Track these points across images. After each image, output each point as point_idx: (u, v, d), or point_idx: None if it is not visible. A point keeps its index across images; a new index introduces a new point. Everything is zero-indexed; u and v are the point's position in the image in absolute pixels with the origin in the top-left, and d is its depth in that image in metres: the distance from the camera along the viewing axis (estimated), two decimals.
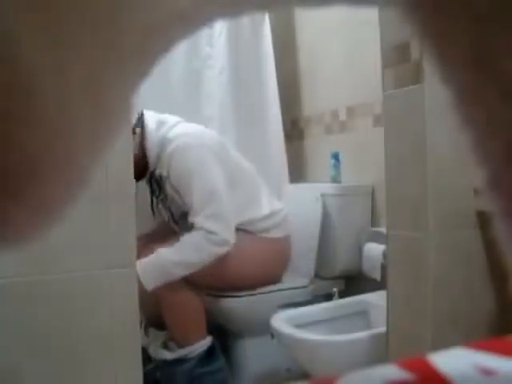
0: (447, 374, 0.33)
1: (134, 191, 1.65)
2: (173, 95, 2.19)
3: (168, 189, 1.84)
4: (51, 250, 1.02)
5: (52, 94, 0.15)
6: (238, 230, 1.89)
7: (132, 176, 1.15)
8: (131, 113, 0.18)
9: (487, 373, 0.34)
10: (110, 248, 1.09)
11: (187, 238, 1.72)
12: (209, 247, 1.71)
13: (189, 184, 1.76)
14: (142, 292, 1.71)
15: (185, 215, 1.86)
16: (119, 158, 1.09)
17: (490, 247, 1.29)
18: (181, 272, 1.70)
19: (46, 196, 0.17)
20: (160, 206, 1.96)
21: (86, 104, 0.15)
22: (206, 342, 1.76)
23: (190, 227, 1.83)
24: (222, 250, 1.73)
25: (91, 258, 1.08)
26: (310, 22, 2.53)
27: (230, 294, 1.85)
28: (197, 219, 1.73)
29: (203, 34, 2.25)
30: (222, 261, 1.79)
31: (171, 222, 1.99)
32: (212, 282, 1.82)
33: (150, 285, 1.65)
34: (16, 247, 0.18)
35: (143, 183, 1.93)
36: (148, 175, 1.89)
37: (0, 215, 0.16)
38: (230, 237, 1.75)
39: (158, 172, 1.85)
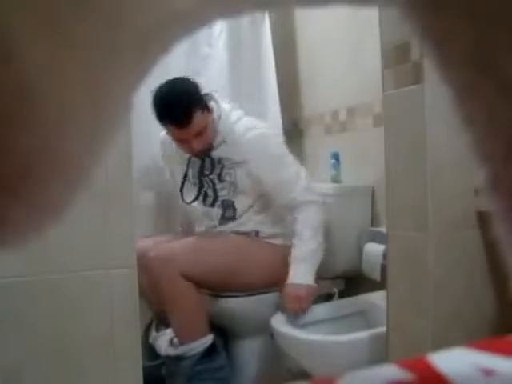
0: (447, 374, 0.33)
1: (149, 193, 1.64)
2: None
3: (238, 175, 1.89)
4: (51, 250, 1.02)
5: (51, 94, 0.15)
6: (242, 233, 1.90)
7: (132, 176, 1.15)
8: (130, 113, 0.18)
9: (487, 373, 0.34)
10: (109, 248, 1.09)
11: (306, 221, 1.84)
12: (320, 215, 1.86)
13: (276, 168, 1.87)
14: (153, 290, 1.73)
15: (228, 204, 1.94)
16: (119, 158, 1.09)
17: (490, 247, 1.29)
18: (321, 252, 1.84)
19: (46, 195, 0.17)
20: (205, 186, 1.97)
21: (85, 104, 0.15)
22: (207, 339, 1.77)
23: (224, 218, 1.95)
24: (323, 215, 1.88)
25: (91, 258, 1.08)
26: (310, 22, 2.53)
27: (230, 294, 1.85)
28: (297, 194, 1.85)
29: (203, 33, 2.25)
30: (227, 264, 1.80)
31: (206, 204, 2.00)
32: (215, 283, 1.82)
33: (311, 281, 1.80)
34: (15, 246, 0.18)
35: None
36: (203, 154, 1.91)
37: (0, 213, 0.16)
38: (319, 198, 1.89)
39: (216, 154, 1.89)
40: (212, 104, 1.87)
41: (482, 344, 0.38)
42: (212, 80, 2.32)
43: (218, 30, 2.32)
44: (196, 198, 1.99)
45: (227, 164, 1.89)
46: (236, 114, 1.92)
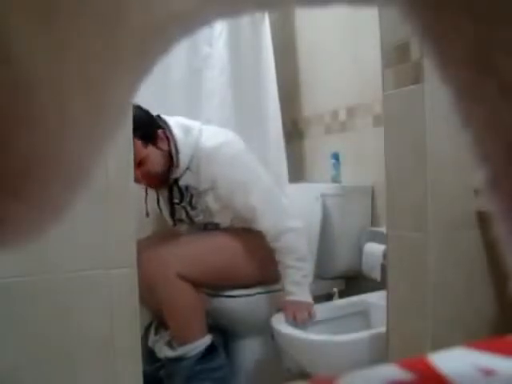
0: (447, 374, 0.33)
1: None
2: (173, 95, 2.19)
3: (209, 201, 1.85)
4: (51, 250, 1.02)
5: (51, 94, 0.15)
6: (238, 228, 1.90)
7: (132, 176, 1.15)
8: (130, 113, 0.18)
9: (487, 373, 0.34)
10: (110, 248, 1.09)
11: (290, 253, 1.77)
12: (303, 243, 1.81)
13: (245, 195, 1.79)
14: (150, 292, 1.72)
15: (207, 222, 1.92)
16: (119, 158, 1.09)
17: (490, 247, 1.29)
18: (311, 275, 1.85)
19: (46, 195, 0.17)
20: (177, 214, 1.96)
21: (84, 104, 0.15)
22: (205, 340, 1.76)
23: (208, 229, 1.93)
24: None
25: (91, 258, 1.08)
26: (310, 22, 2.53)
27: (229, 293, 1.85)
28: (273, 223, 1.78)
29: (203, 33, 2.25)
30: (223, 262, 1.80)
31: (186, 224, 2.00)
32: (213, 282, 1.82)
33: (308, 298, 1.78)
34: (15, 246, 0.18)
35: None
36: (169, 183, 1.88)
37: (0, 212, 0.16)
38: (299, 223, 1.82)
39: (182, 182, 1.85)
40: (163, 137, 1.80)
41: (482, 344, 0.38)
42: (212, 79, 2.32)
43: (219, 30, 2.32)
44: (174, 224, 2.00)
45: (195, 192, 1.86)
46: (195, 131, 1.83)
